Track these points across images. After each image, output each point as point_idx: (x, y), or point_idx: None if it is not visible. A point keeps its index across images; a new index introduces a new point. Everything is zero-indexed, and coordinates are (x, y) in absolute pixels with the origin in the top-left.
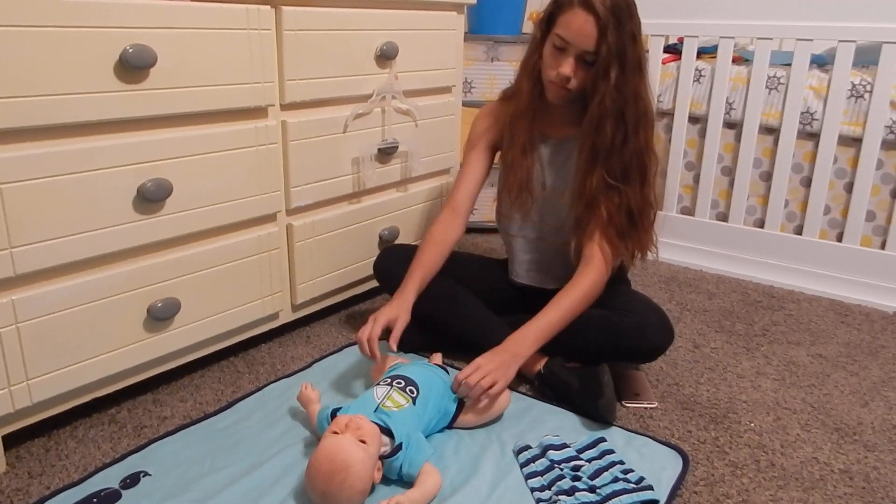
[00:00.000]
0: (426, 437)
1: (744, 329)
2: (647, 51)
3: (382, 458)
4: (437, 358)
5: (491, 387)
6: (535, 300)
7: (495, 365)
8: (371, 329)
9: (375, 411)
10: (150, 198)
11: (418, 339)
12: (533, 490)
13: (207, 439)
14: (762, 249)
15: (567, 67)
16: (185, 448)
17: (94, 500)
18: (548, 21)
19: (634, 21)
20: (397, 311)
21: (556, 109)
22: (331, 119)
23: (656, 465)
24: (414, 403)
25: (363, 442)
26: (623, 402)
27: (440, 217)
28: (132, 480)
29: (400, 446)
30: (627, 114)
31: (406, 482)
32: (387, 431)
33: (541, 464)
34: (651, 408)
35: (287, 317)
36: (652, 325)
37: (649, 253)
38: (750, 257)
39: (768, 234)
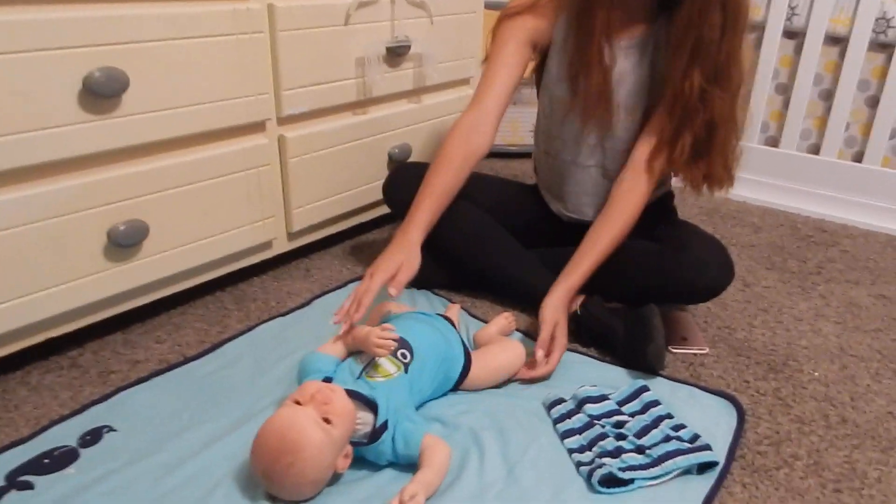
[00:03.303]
0: (421, 407)
1: (797, 266)
2: None
3: (357, 443)
4: (454, 311)
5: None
6: (577, 234)
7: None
8: (362, 295)
9: (357, 380)
10: (99, 92)
11: (439, 273)
12: (571, 451)
13: (187, 388)
14: (815, 179)
15: None
16: (159, 398)
17: (46, 460)
18: None
19: None
20: (401, 256)
21: (620, 2)
22: (329, 6)
23: (707, 419)
24: (406, 371)
25: (327, 422)
26: (669, 348)
27: (461, 122)
28: (93, 437)
29: (385, 426)
30: (729, 3)
31: (405, 465)
32: (369, 404)
33: (578, 420)
34: (701, 354)
35: (282, 246)
36: (710, 262)
37: (721, 186)
38: (800, 187)
39: (823, 160)
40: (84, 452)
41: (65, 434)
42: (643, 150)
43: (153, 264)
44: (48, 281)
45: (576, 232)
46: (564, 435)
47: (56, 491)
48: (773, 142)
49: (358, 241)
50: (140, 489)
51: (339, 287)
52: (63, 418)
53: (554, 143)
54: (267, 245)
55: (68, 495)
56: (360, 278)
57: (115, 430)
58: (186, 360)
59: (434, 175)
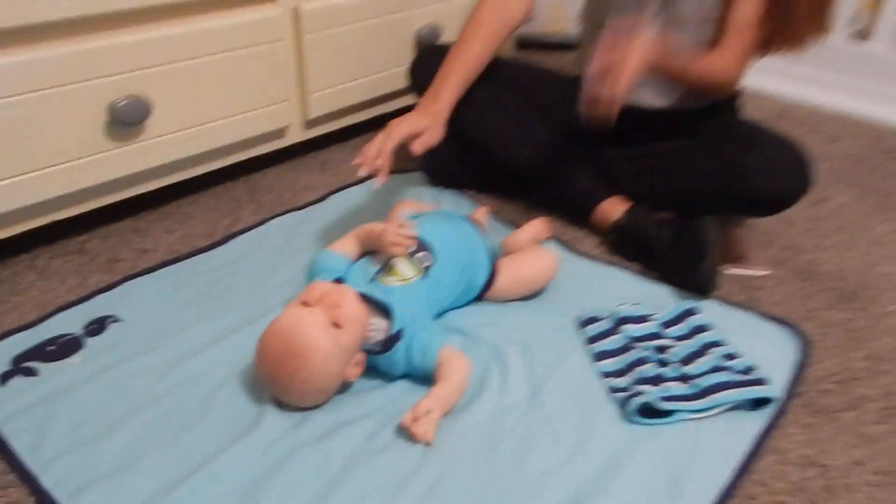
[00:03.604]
0: (440, 317)
1: (878, 183)
2: None
3: (369, 351)
4: (481, 214)
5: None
6: (627, 129)
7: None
8: (382, 142)
9: (371, 282)
10: None
11: (459, 171)
12: (605, 375)
13: (195, 281)
14: None
15: None
16: (166, 290)
17: (50, 347)
18: None
19: None
20: (424, 121)
21: None
22: None
23: (764, 350)
24: (425, 276)
25: (336, 326)
26: (723, 268)
27: None
28: (98, 327)
29: (399, 334)
30: None
31: (420, 377)
32: (383, 309)
33: (615, 341)
34: (760, 276)
35: (297, 135)
36: (783, 164)
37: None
38: (890, 92)
39: None
40: (89, 342)
41: (70, 321)
42: (745, 10)
43: (158, 147)
44: (46, 159)
45: (621, 126)
46: (598, 357)
47: (60, 380)
48: (862, 36)
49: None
50: (142, 384)
51: (357, 182)
52: (69, 305)
53: (607, 17)
54: (281, 133)
55: (71, 385)
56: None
57: (120, 321)
58: (196, 252)
59: (464, 42)
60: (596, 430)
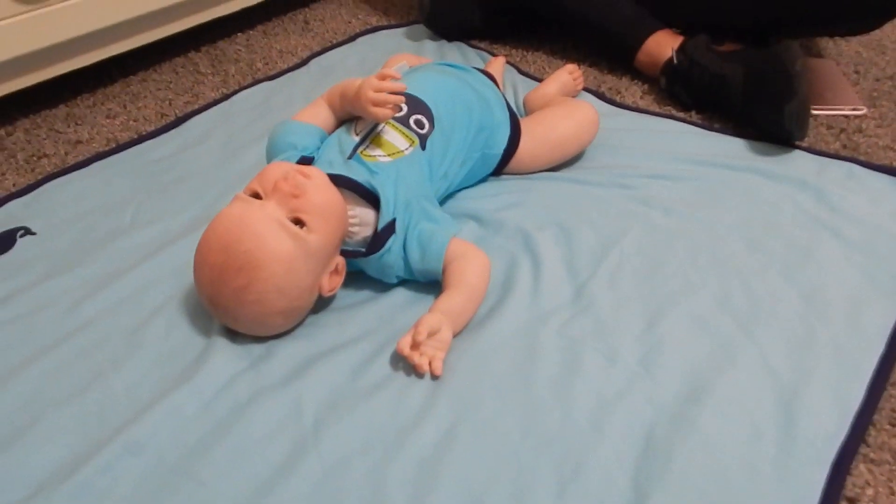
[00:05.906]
0: (447, 200)
1: None
2: None
3: (352, 253)
4: (497, 66)
5: None
6: None
7: None
8: None
9: (350, 160)
10: None
11: (467, 12)
12: None
13: (136, 175)
14: None
15: None
16: (96, 190)
17: None
18: None
19: None
20: None
21: None
22: None
23: (879, 210)
24: (422, 146)
25: (299, 223)
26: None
27: None
28: (3, 242)
29: (391, 227)
30: None
31: (424, 284)
32: (368, 195)
33: None
34: (856, 115)
35: None
36: None
37: None
38: None
39: None
40: None
41: None
42: None
43: (80, 8)
44: None
45: None
46: None
47: None
48: None
49: None
50: (51, 316)
51: (346, 41)
52: None
53: None
54: None
55: None
56: (372, 30)
57: (32, 234)
58: (140, 140)
59: None
60: (668, 336)
